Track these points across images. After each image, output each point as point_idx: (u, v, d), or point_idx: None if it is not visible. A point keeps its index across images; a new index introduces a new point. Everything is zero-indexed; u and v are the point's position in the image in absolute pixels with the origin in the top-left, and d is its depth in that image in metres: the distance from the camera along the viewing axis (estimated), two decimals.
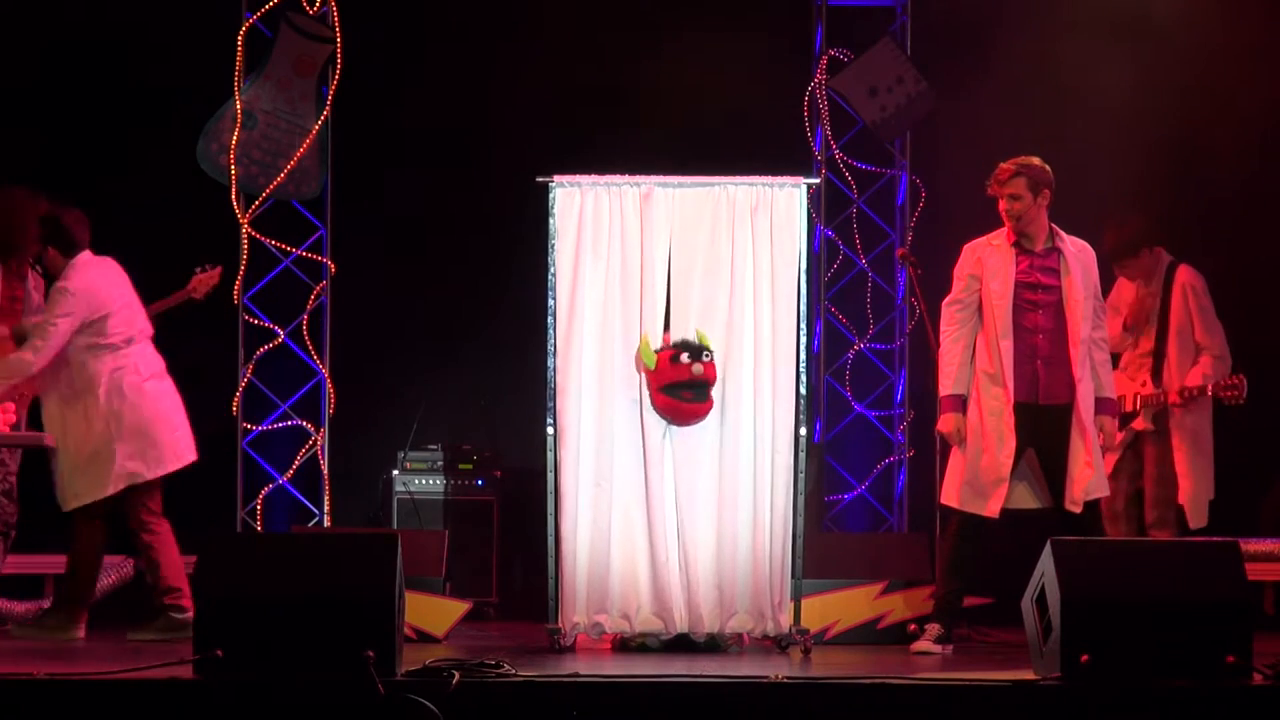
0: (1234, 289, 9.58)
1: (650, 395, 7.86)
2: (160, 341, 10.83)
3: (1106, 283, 8.76)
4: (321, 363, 10.52)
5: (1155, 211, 9.50)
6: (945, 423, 8.06)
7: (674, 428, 7.91)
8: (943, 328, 8.13)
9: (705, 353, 7.82)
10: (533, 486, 8.85)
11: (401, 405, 10.49)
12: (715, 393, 7.88)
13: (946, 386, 8.07)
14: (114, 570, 9.32)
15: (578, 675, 6.55)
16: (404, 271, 10.84)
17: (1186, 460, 9.19)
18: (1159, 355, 9.26)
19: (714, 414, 7.92)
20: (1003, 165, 8.06)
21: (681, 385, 7.79)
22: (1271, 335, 9.16)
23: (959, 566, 8.06)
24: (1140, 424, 9.24)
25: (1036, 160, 8.04)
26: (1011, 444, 7.92)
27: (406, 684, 6.26)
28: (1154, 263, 9.33)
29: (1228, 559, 6.68)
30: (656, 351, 7.83)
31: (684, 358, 7.79)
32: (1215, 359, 9.16)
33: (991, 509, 7.93)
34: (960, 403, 8.03)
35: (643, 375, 7.88)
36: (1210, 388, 9.07)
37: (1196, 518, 9.15)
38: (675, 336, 7.90)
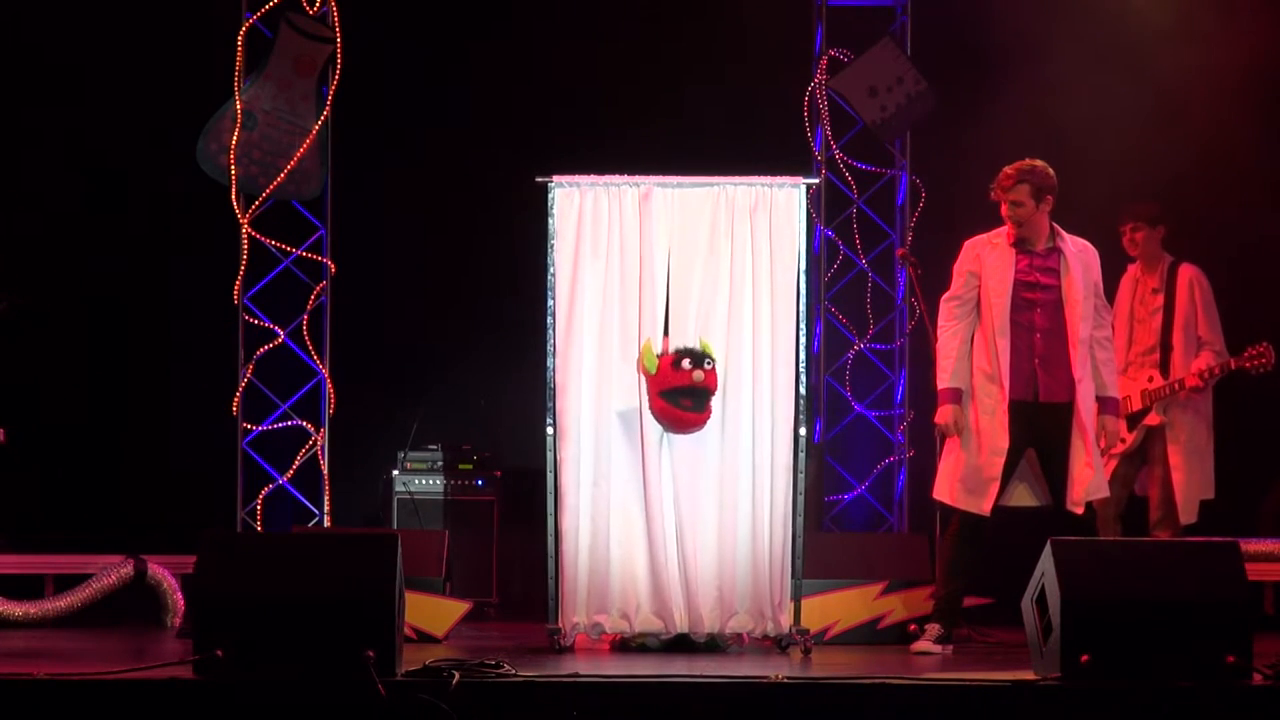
0: (1231, 290, 9.59)
1: (649, 400, 7.85)
2: (162, 340, 10.90)
3: (1111, 282, 8.77)
4: (321, 363, 10.51)
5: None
6: (942, 414, 8.05)
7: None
8: (940, 322, 8.14)
9: (707, 360, 7.82)
10: (533, 486, 8.87)
11: (401, 405, 10.49)
12: (715, 394, 7.89)
13: (944, 380, 8.07)
14: (114, 570, 9.32)
15: (578, 675, 6.56)
16: (404, 271, 10.84)
17: (1180, 454, 9.20)
18: (1165, 348, 9.27)
19: (714, 414, 7.91)
20: (1006, 170, 8.03)
21: (681, 392, 7.78)
22: (1269, 336, 9.15)
23: (959, 567, 8.06)
24: (1154, 419, 9.24)
25: (1040, 164, 8.02)
26: (1004, 442, 7.92)
27: (407, 684, 6.27)
28: (1158, 253, 9.35)
29: (1228, 559, 6.69)
30: (658, 355, 7.83)
31: (685, 364, 7.78)
32: (1215, 354, 9.17)
33: (985, 507, 7.94)
34: (957, 395, 8.03)
35: (642, 379, 7.87)
36: (1232, 362, 9.05)
37: (1187, 513, 9.16)
38: (675, 337, 7.90)
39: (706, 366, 7.80)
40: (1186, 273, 9.32)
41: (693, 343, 7.87)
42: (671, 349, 7.87)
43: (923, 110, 10.86)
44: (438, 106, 10.88)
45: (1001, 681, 6.51)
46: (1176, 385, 9.18)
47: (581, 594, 7.89)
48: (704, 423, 7.87)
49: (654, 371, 7.80)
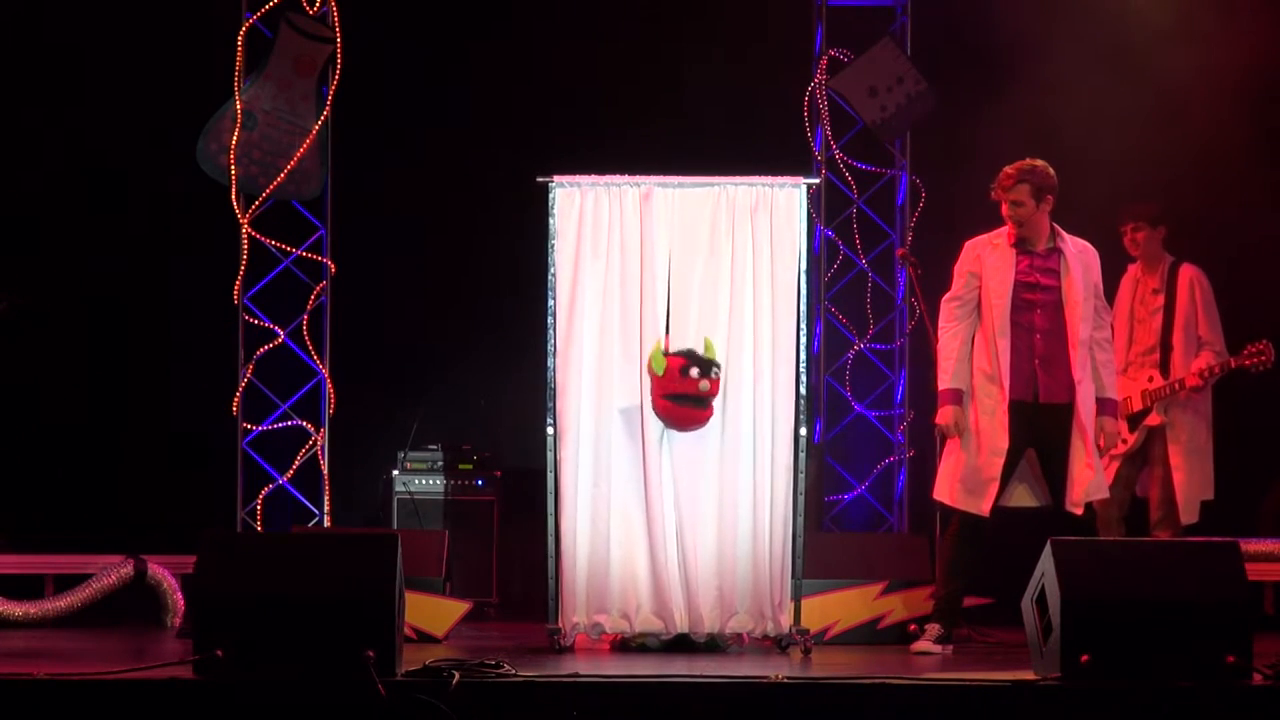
0: (1231, 290, 9.59)
1: (652, 398, 7.87)
2: (162, 340, 10.89)
3: (1110, 284, 8.77)
4: (321, 363, 10.51)
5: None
6: (943, 415, 8.05)
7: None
8: (941, 323, 8.14)
9: (714, 368, 7.83)
10: (533, 486, 8.86)
11: (401, 405, 10.49)
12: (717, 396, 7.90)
13: (944, 380, 8.08)
14: (114, 570, 9.32)
15: (578, 675, 6.56)
16: (404, 271, 10.84)
17: (1181, 454, 9.19)
18: (1165, 348, 9.26)
19: (714, 414, 7.91)
20: (1006, 170, 8.04)
21: (685, 397, 7.81)
22: (1269, 336, 9.15)
23: (959, 567, 8.06)
24: (1155, 419, 9.23)
25: (1040, 164, 8.02)
26: (1004, 443, 7.92)
27: (407, 684, 6.27)
28: (1159, 253, 9.35)
29: (1228, 559, 6.69)
30: (666, 355, 7.83)
31: (693, 372, 7.80)
32: (1216, 354, 9.16)
33: (984, 507, 7.94)
34: (958, 396, 8.03)
35: (648, 377, 7.88)
36: (1232, 361, 9.04)
37: (1188, 513, 9.16)
38: (676, 337, 7.90)
39: (713, 375, 7.82)
40: (1187, 273, 9.32)
41: (696, 342, 7.87)
42: (675, 348, 7.86)
43: (923, 110, 10.85)
44: (438, 106, 10.88)
45: (1001, 681, 6.52)
46: (1177, 385, 9.18)
47: (581, 594, 7.90)
48: (706, 420, 7.88)
49: (661, 374, 7.82)
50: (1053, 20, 10.36)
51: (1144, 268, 9.41)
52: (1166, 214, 9.39)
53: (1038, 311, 7.99)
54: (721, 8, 10.64)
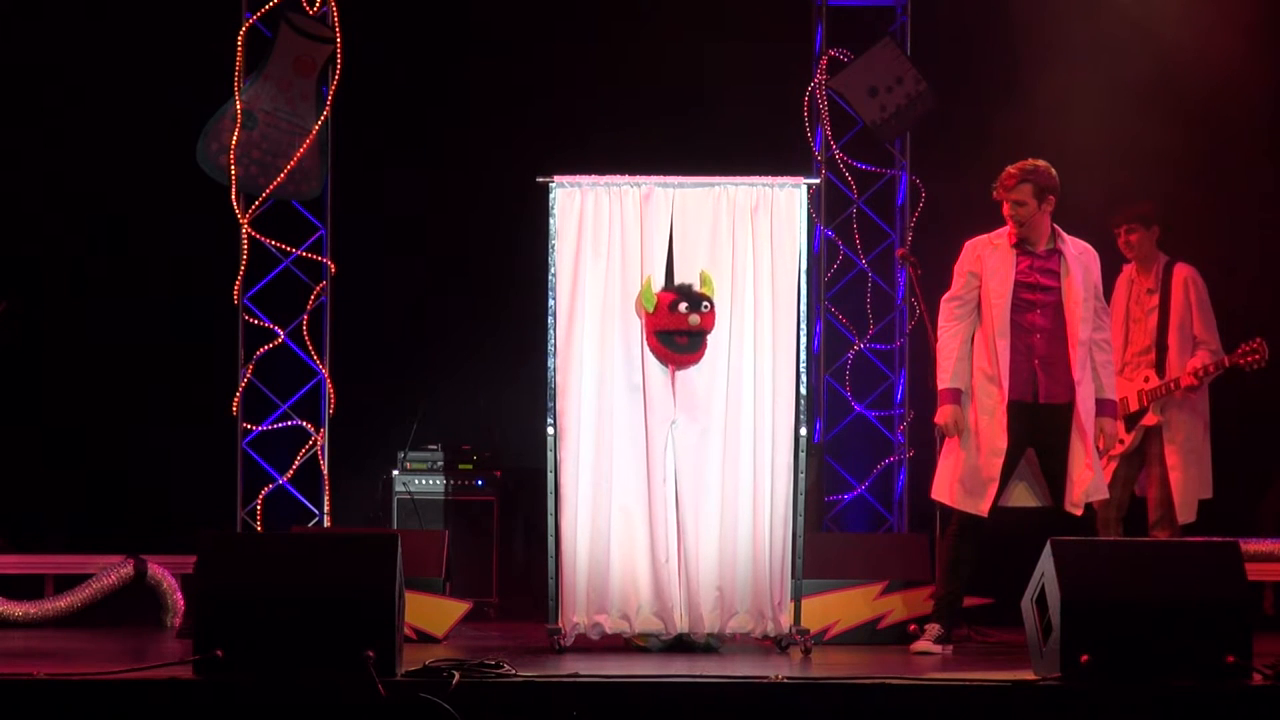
0: (1230, 291, 9.59)
1: (645, 336, 7.88)
2: (161, 341, 10.89)
3: (1106, 285, 8.76)
4: (321, 363, 10.51)
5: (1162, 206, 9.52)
6: (942, 414, 8.06)
7: (675, 429, 7.92)
8: (940, 322, 8.14)
9: (704, 302, 7.83)
10: (533, 486, 8.87)
11: (401, 405, 10.49)
12: (717, 389, 7.90)
13: (944, 380, 8.08)
14: (114, 570, 9.32)
15: (578, 675, 6.56)
16: (404, 272, 10.84)
17: (1178, 454, 9.19)
18: (1160, 348, 9.26)
19: (715, 414, 7.92)
20: (1009, 170, 8.03)
21: (676, 333, 7.81)
22: (1263, 334, 9.15)
23: (958, 567, 8.06)
24: (1151, 419, 9.23)
25: (1043, 164, 8.02)
26: (1003, 444, 7.92)
27: (407, 684, 6.27)
28: (1153, 253, 9.34)
29: (1228, 559, 6.69)
30: (657, 293, 7.84)
31: (682, 307, 7.81)
32: (1211, 354, 9.15)
33: (983, 507, 7.94)
34: (957, 395, 8.03)
35: (641, 318, 7.88)
36: (1227, 360, 9.03)
37: (1185, 512, 9.16)
38: (680, 276, 7.90)
39: (703, 309, 7.82)
40: (1181, 272, 9.31)
41: (694, 278, 7.86)
42: (676, 283, 7.87)
43: (923, 110, 10.86)
44: (438, 106, 10.88)
45: (1001, 681, 6.52)
46: (1173, 385, 9.17)
47: (581, 594, 7.90)
48: (699, 360, 7.88)
49: (651, 310, 7.83)
50: (1052, 20, 10.36)
51: (1138, 268, 9.41)
52: (1160, 214, 9.39)
53: (1038, 312, 7.99)
54: (721, 8, 10.65)
